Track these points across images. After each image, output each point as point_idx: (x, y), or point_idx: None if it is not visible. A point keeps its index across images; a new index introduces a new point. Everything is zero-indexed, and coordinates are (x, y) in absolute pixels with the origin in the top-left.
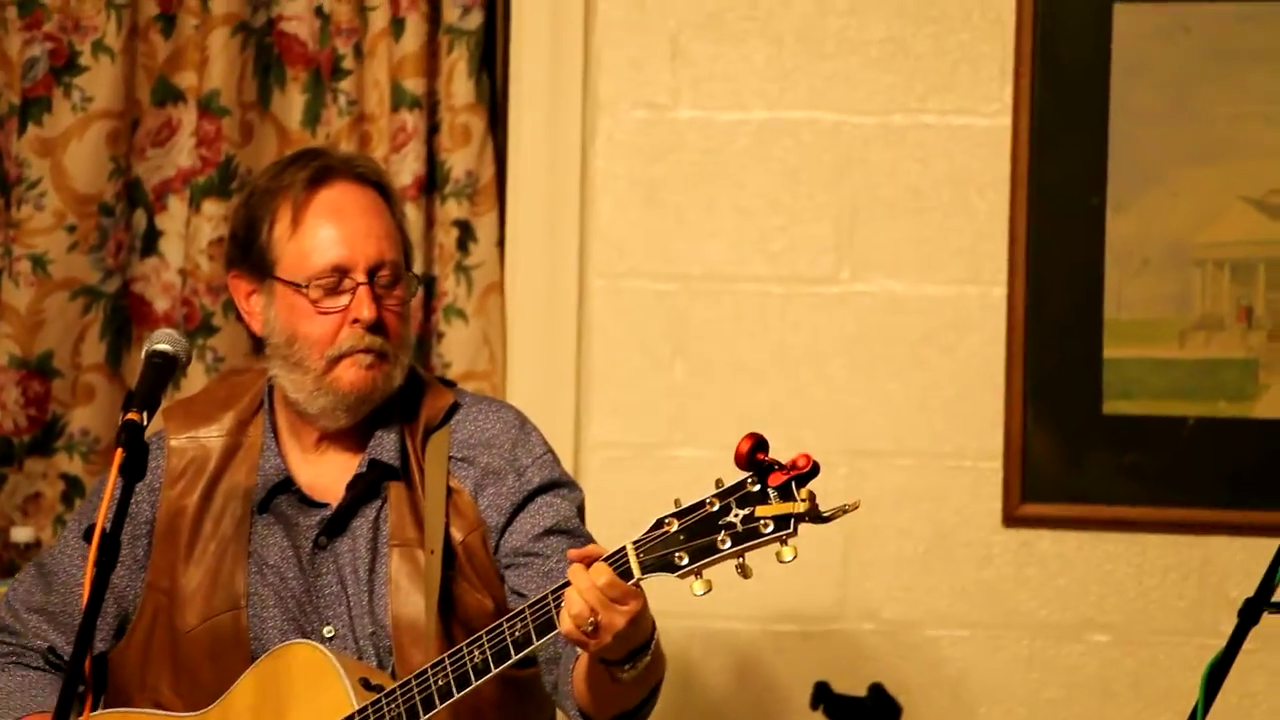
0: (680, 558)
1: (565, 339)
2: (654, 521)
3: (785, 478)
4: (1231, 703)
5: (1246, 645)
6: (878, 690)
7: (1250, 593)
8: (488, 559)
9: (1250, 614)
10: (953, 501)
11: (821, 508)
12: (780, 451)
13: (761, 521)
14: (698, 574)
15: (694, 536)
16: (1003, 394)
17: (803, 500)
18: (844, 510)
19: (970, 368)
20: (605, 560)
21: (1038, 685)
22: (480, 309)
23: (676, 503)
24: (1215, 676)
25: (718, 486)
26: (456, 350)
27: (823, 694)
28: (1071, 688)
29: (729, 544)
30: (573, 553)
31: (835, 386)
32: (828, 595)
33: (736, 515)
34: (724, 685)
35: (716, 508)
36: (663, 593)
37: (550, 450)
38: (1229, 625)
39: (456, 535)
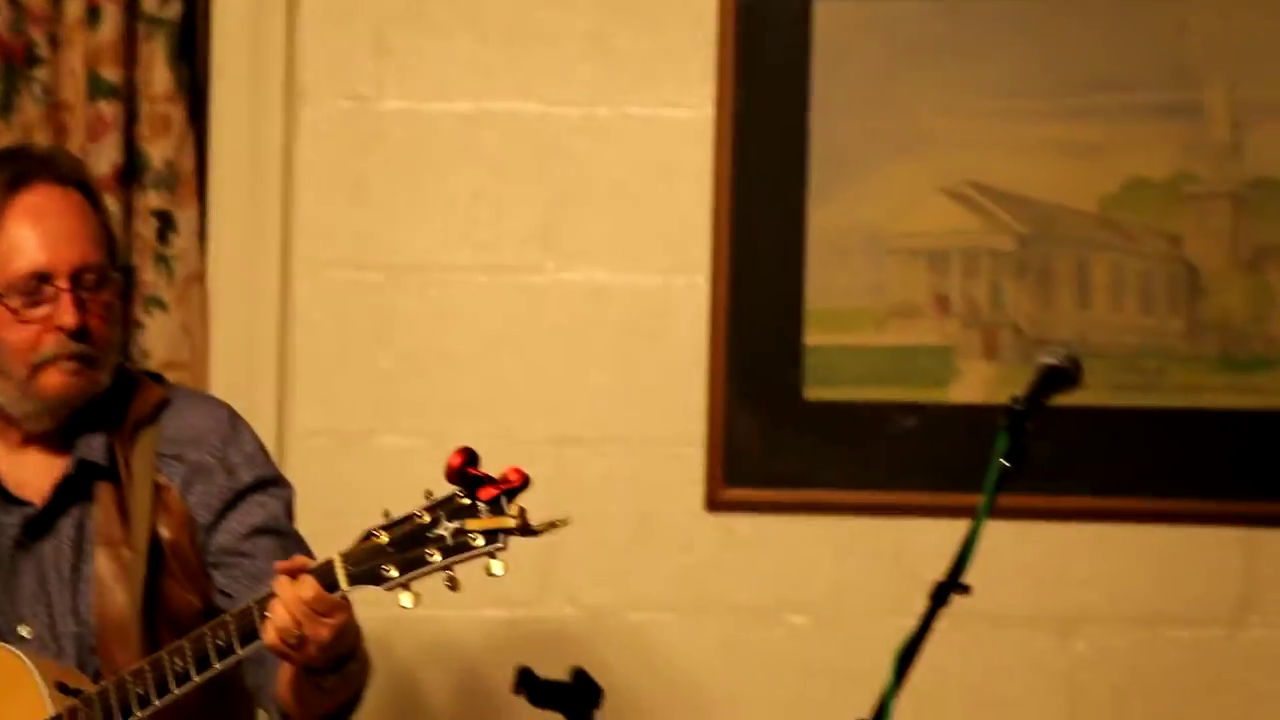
0: (388, 570)
1: (267, 329)
2: (363, 533)
3: (496, 492)
4: (925, 680)
5: (939, 625)
6: (580, 674)
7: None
8: (195, 557)
9: (940, 596)
10: (656, 487)
11: (532, 522)
12: (488, 443)
13: (471, 535)
14: (405, 586)
15: (403, 549)
16: (705, 381)
17: (513, 516)
18: (553, 526)
19: (674, 356)
20: (312, 572)
21: (738, 667)
22: (181, 299)
23: (386, 514)
24: (906, 657)
25: (427, 498)
26: (156, 340)
27: (526, 679)
28: (771, 669)
29: (438, 557)
30: (280, 565)
31: (541, 375)
32: (531, 581)
33: (446, 529)
34: (427, 673)
35: (426, 521)
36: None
37: (261, 447)
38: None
39: (164, 533)
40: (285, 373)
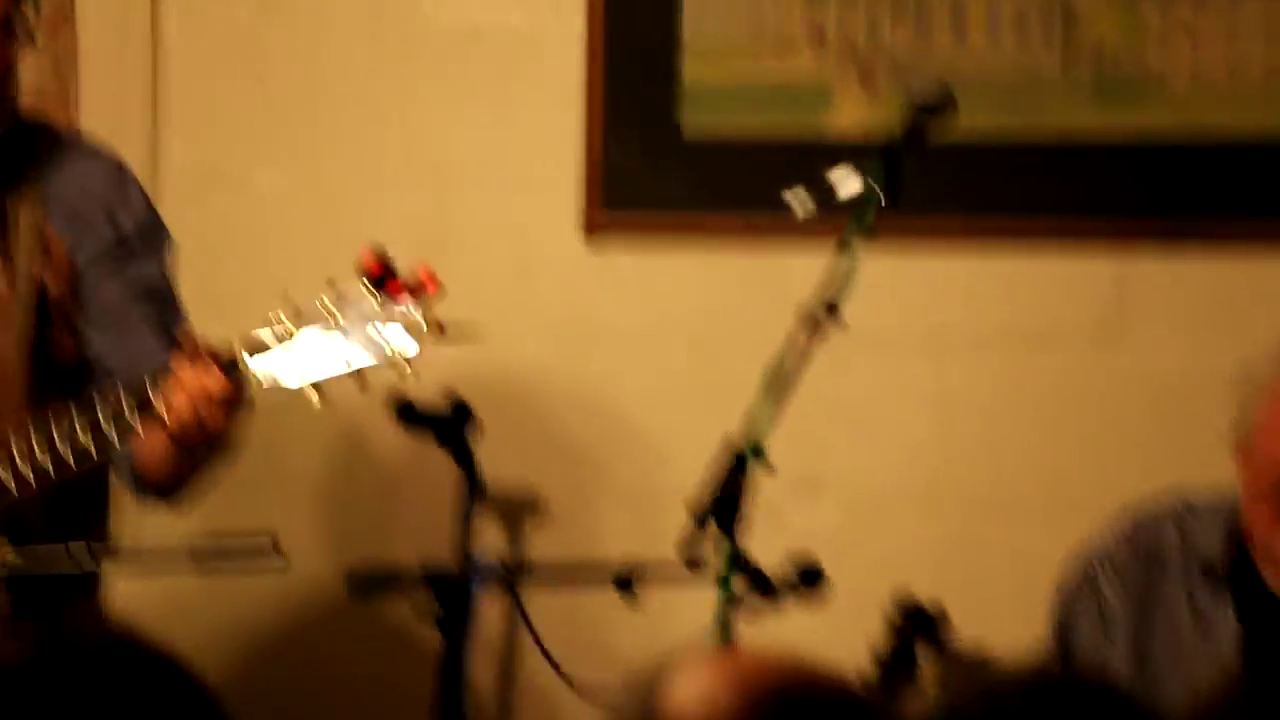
0: (294, 369)
1: (138, 64)
2: (268, 324)
3: (408, 297)
4: (798, 402)
5: (812, 347)
6: (456, 402)
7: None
8: (78, 309)
9: (813, 320)
10: (534, 216)
11: (444, 328)
12: (362, 179)
13: (383, 339)
14: (314, 386)
15: (313, 346)
16: (582, 114)
17: (426, 322)
18: (468, 339)
19: (550, 93)
20: (218, 363)
21: (618, 396)
22: (52, 36)
23: (291, 307)
24: (776, 378)
25: (335, 292)
26: (24, 78)
27: (402, 408)
28: (651, 395)
29: (348, 357)
30: (183, 342)
31: (417, 114)
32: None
33: (358, 330)
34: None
35: (337, 319)
36: None
37: (148, 203)
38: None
39: (48, 282)
40: (157, 110)
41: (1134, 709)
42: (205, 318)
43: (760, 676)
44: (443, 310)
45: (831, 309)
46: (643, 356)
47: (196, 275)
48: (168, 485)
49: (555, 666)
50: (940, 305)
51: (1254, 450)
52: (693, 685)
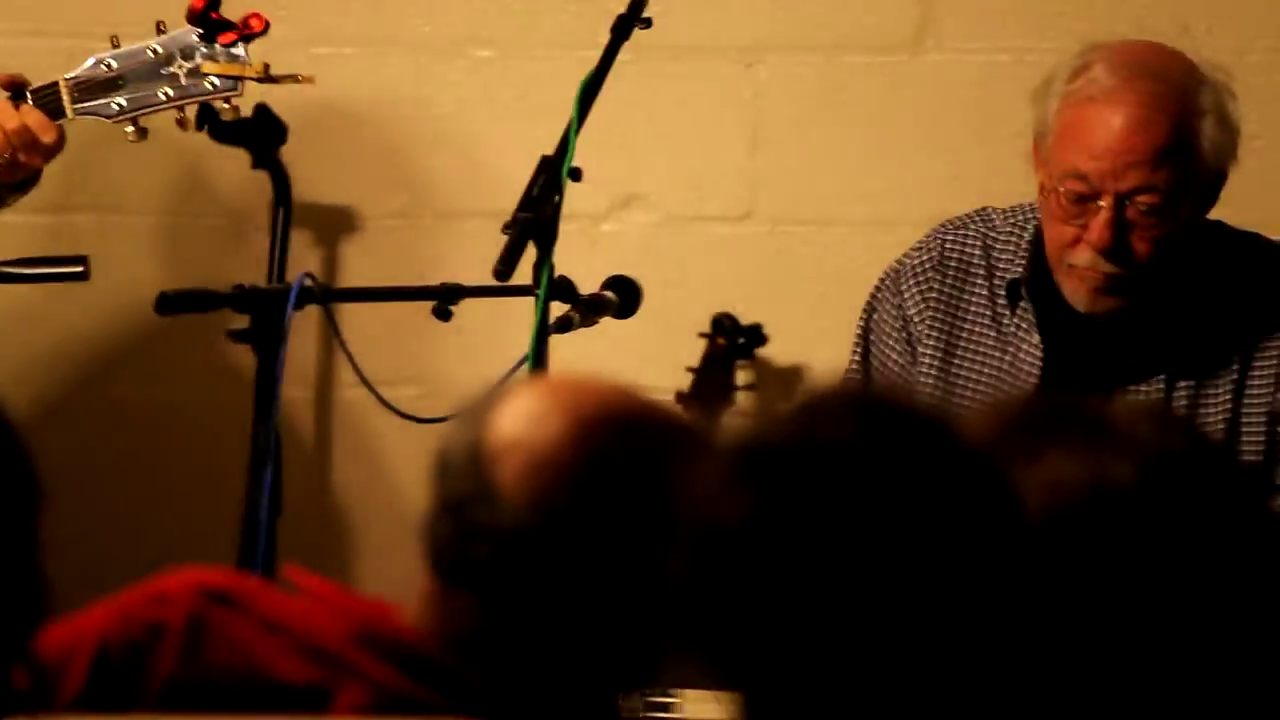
0: (117, 102)
1: None
2: (92, 60)
3: (235, 37)
4: (608, 114)
5: (623, 57)
6: (262, 110)
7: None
8: None
9: (622, 29)
10: None
11: (273, 72)
12: None
13: (207, 77)
14: (134, 121)
15: (134, 82)
16: None
17: (251, 64)
18: (294, 79)
19: None
20: (36, 96)
21: (420, 102)
22: None
23: (114, 40)
24: (588, 92)
25: (161, 31)
26: None
27: (206, 116)
28: (456, 103)
29: (170, 94)
30: (2, 81)
31: None
32: None
33: (181, 67)
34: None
35: (160, 55)
36: None
37: None
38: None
39: None
40: None
41: (943, 432)
42: (32, 57)
43: (585, 398)
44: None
45: (644, 20)
46: (448, 61)
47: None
48: None
49: (369, 387)
50: (750, 9)
51: (1050, 161)
52: (520, 407)
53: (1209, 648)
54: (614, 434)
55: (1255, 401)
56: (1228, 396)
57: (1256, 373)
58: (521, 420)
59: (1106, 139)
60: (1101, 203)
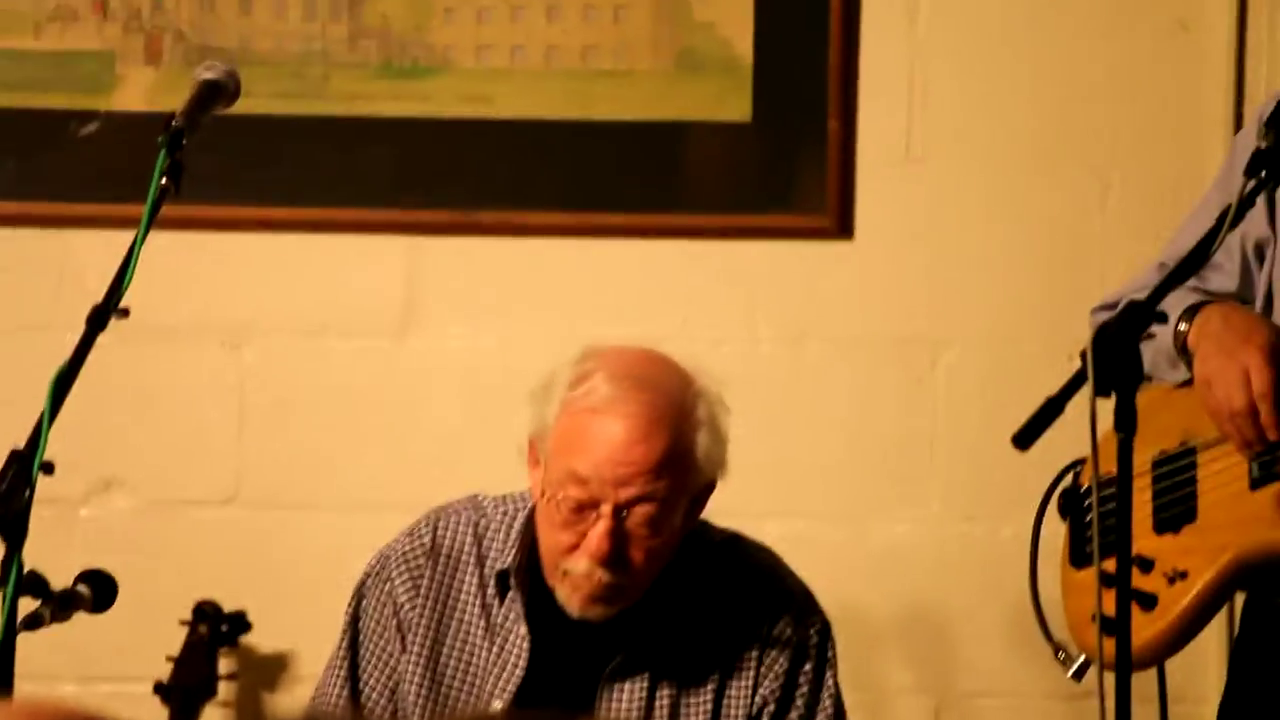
0: None
1: None
2: None
3: None
4: (82, 396)
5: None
6: None
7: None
8: None
9: (98, 320)
10: None
11: None
12: None
13: None
14: None
15: None
16: None
17: None
18: None
19: None
20: None
21: None
22: None
23: None
24: (62, 382)
25: None
26: None
27: None
28: None
29: None
30: None
31: None
32: None
33: None
34: None
35: None
36: None
37: None
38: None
39: None
40: None
41: None
42: None
43: None
44: None
45: (120, 310)
46: None
47: None
48: None
49: None
50: (236, 291)
51: (550, 465)
52: None
53: None
54: None
55: (734, 707)
56: (708, 699)
57: (734, 683)
58: None
59: (608, 449)
60: (601, 511)
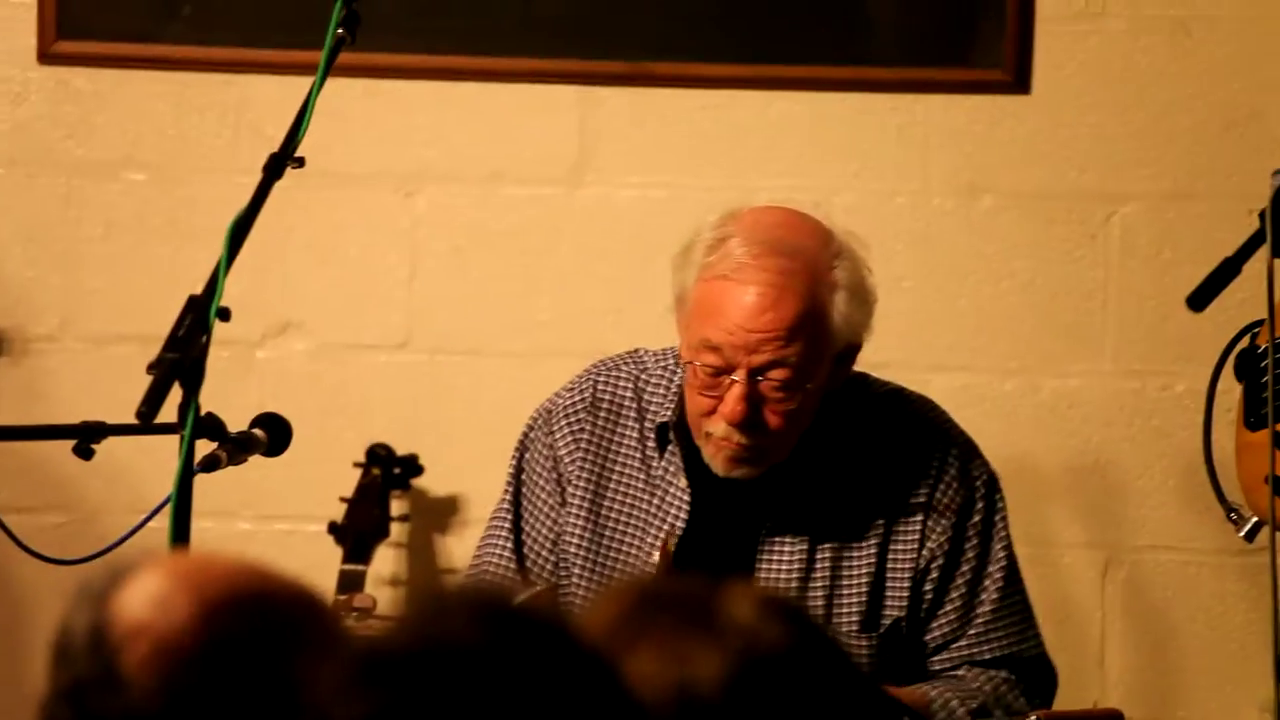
0: None
1: None
2: None
3: None
4: (267, 240)
5: (283, 185)
6: None
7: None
8: None
9: (274, 168)
10: None
11: None
12: None
13: None
14: None
15: None
16: None
17: None
18: None
19: None
20: None
21: (76, 224)
22: None
23: None
24: (239, 230)
25: None
26: None
27: None
28: (110, 225)
29: None
30: None
31: None
32: None
33: None
34: None
35: None
36: None
37: None
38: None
39: None
40: None
41: (561, 636)
42: None
43: (213, 579)
44: None
45: (296, 159)
46: (102, 183)
47: None
48: None
49: (10, 534)
50: (409, 139)
51: (688, 330)
52: (145, 588)
53: None
54: (241, 619)
55: (900, 561)
56: (871, 555)
57: (899, 537)
58: (146, 600)
59: (738, 316)
60: (735, 377)
